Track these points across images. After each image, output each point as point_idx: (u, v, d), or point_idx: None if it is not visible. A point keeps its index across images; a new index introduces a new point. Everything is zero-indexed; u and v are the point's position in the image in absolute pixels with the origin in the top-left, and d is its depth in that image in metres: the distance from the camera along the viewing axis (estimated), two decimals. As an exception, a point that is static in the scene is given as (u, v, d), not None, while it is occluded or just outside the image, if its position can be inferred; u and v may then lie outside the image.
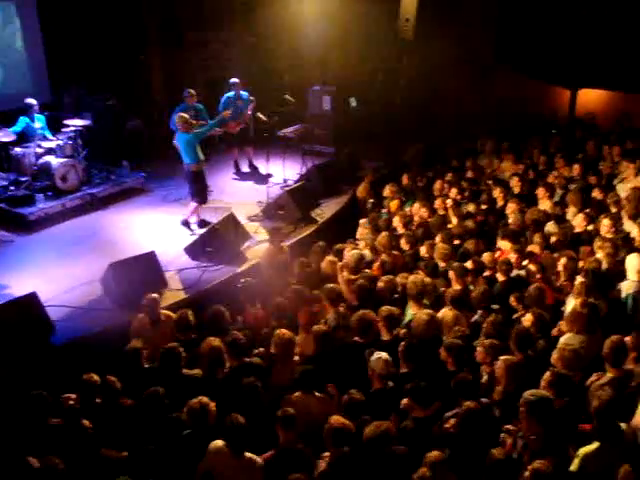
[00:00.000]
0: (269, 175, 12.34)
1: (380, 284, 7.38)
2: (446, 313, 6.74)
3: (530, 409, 4.77)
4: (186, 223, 10.21)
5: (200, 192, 10.11)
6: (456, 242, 8.59)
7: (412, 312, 6.82)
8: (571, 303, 6.74)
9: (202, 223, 10.16)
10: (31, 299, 7.17)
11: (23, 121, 11.04)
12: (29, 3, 12.68)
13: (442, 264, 7.87)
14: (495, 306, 6.92)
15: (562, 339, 6.12)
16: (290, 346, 6.14)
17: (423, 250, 8.34)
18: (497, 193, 10.08)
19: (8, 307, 7.04)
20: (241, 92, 12.29)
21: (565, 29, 14.28)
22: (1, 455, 4.87)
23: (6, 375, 6.55)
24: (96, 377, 5.60)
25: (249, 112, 12.38)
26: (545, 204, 9.57)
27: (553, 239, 8.38)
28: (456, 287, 7.17)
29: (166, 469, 4.93)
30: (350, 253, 8.19)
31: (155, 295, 7.14)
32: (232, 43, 15.18)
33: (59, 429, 5.24)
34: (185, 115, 9.88)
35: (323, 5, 14.56)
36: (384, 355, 5.67)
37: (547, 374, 5.22)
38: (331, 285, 7.27)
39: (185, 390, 5.49)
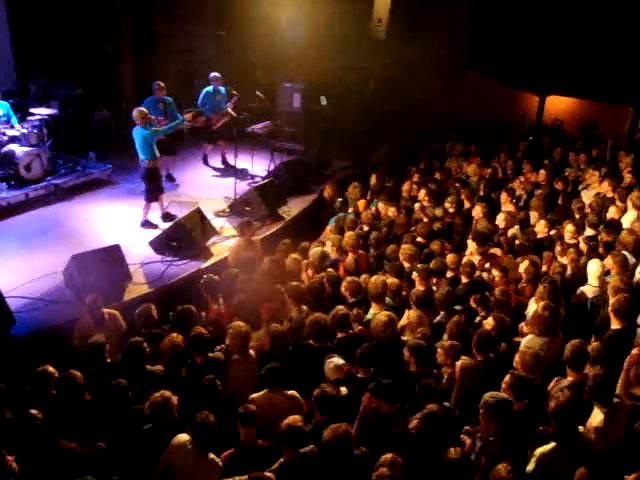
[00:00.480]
0: (237, 171, 12.26)
1: (344, 284, 7.35)
2: (411, 314, 6.76)
3: (489, 411, 4.81)
4: (146, 223, 9.99)
5: (152, 190, 9.88)
6: (420, 240, 8.66)
7: (373, 312, 6.83)
8: (533, 306, 6.81)
9: (168, 217, 10.05)
10: (-9, 290, 7.03)
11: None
12: (-6, -12, 12.41)
13: (407, 265, 7.90)
14: (458, 307, 6.97)
15: (523, 341, 6.20)
16: (246, 339, 6.07)
17: (389, 251, 8.38)
18: (464, 195, 10.16)
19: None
20: (220, 87, 12.20)
21: (535, 37, 14.48)
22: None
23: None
24: (52, 369, 5.49)
25: (230, 107, 12.27)
26: (508, 208, 9.66)
27: (516, 243, 8.47)
28: (420, 288, 7.20)
29: (126, 463, 4.87)
30: (313, 251, 8.19)
31: (96, 295, 6.90)
32: (203, 37, 15.07)
33: (11, 422, 5.14)
34: (144, 110, 9.65)
35: (297, 3, 14.55)
36: (336, 361, 5.62)
37: (507, 377, 5.25)
38: (294, 283, 7.24)
39: (148, 386, 5.40)
